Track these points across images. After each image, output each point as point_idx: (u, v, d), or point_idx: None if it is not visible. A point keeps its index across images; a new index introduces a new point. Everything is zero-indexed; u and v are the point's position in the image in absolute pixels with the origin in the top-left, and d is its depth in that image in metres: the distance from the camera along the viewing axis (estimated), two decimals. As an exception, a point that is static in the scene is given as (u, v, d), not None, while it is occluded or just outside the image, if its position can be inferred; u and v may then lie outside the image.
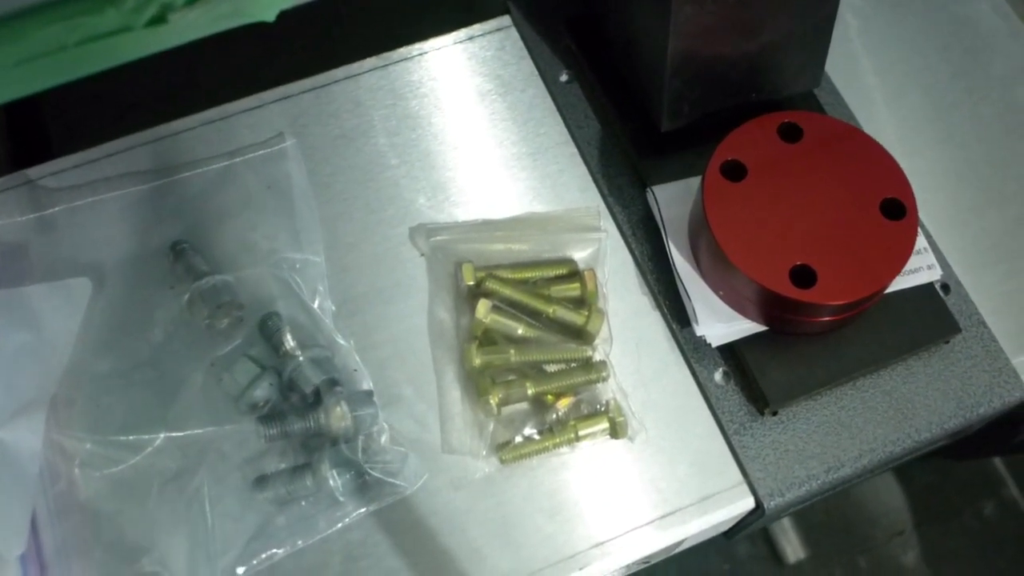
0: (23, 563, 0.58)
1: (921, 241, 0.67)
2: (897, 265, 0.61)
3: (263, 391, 0.61)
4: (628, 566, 0.63)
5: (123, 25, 0.41)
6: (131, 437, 0.61)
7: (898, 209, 0.62)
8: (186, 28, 0.43)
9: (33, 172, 0.69)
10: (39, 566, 0.59)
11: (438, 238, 0.68)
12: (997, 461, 1.53)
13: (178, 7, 0.42)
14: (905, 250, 0.61)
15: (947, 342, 0.67)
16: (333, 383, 0.61)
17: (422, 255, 0.68)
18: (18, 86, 0.42)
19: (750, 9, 0.62)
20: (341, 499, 0.60)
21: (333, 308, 0.66)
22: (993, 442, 1.40)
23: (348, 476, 0.59)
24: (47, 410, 0.61)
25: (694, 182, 0.67)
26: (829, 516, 1.50)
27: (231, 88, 0.75)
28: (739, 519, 0.65)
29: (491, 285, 0.65)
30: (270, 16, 0.46)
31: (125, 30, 0.41)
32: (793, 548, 1.47)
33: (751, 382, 0.64)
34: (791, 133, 0.64)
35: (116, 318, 0.65)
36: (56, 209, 0.68)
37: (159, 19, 0.41)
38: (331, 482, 0.59)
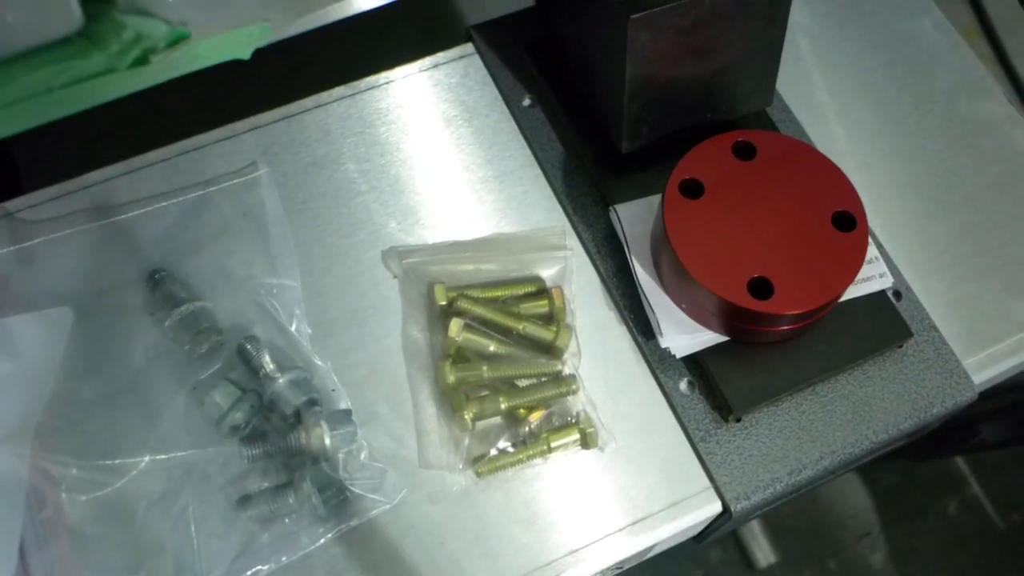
0: (12, 588, 0.60)
1: (872, 251, 0.70)
2: (850, 274, 0.63)
3: (244, 413, 0.63)
4: (602, 572, 0.65)
5: (108, 67, 0.42)
6: (116, 461, 0.62)
7: (849, 221, 0.65)
8: (167, 68, 0.44)
9: (11, 205, 0.70)
10: (28, 590, 0.60)
11: (410, 260, 0.70)
12: (959, 460, 1.56)
13: (160, 50, 0.44)
14: (857, 260, 0.64)
15: (900, 346, 0.70)
16: (312, 403, 0.63)
17: (395, 277, 0.70)
18: (6, 126, 0.43)
19: (702, 34, 0.65)
20: (323, 515, 0.61)
21: (309, 331, 0.68)
22: (953, 442, 1.44)
23: (329, 493, 0.61)
24: (32, 437, 0.62)
25: (654, 200, 0.70)
26: (798, 520, 1.53)
27: (195, 120, 0.76)
28: (708, 523, 0.68)
29: (462, 304, 0.67)
30: (246, 54, 0.48)
31: (110, 71, 0.43)
32: (764, 553, 1.49)
33: (715, 391, 0.67)
34: (745, 151, 0.67)
35: (98, 346, 0.66)
36: (35, 241, 0.69)
37: (142, 60, 0.43)
38: (313, 499, 0.60)
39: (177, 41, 0.43)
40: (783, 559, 1.49)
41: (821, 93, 0.81)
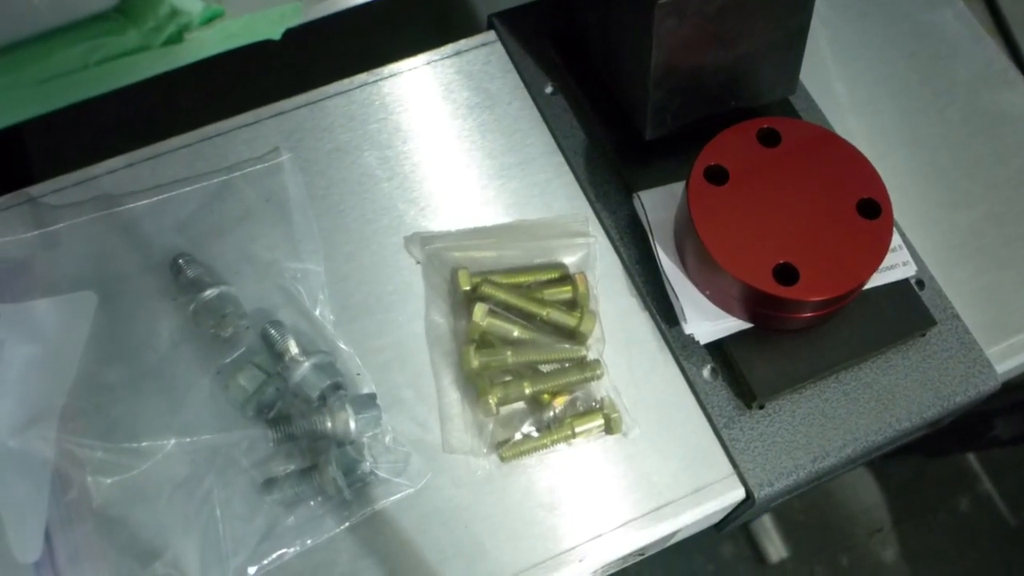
0: (37, 569, 0.60)
1: (896, 239, 0.70)
2: (874, 262, 0.63)
3: (269, 396, 0.63)
4: (624, 557, 0.65)
5: (142, 44, 0.42)
6: (141, 444, 0.62)
7: (874, 209, 0.64)
8: (200, 46, 0.45)
9: (35, 190, 0.71)
10: (53, 572, 0.60)
11: (433, 246, 0.70)
12: (971, 457, 1.56)
13: (194, 27, 0.44)
14: (881, 248, 0.64)
15: (923, 335, 0.70)
16: (337, 387, 0.63)
17: (417, 263, 0.70)
18: (41, 103, 0.43)
19: (728, 21, 0.65)
20: (348, 499, 0.61)
21: (332, 317, 0.68)
22: (967, 438, 1.44)
23: (354, 476, 0.61)
24: (57, 420, 0.63)
25: (678, 187, 0.70)
26: (810, 516, 1.53)
27: (207, 111, 0.76)
28: (730, 510, 0.68)
29: (486, 290, 0.67)
30: (277, 34, 0.48)
31: (144, 49, 0.43)
32: (776, 548, 1.49)
33: (738, 377, 0.67)
34: (769, 138, 0.67)
35: (123, 330, 0.66)
36: (59, 226, 0.69)
37: (176, 38, 0.43)
38: (338, 482, 0.60)
39: (211, 19, 0.44)
40: (795, 554, 1.49)
41: (842, 83, 0.81)
